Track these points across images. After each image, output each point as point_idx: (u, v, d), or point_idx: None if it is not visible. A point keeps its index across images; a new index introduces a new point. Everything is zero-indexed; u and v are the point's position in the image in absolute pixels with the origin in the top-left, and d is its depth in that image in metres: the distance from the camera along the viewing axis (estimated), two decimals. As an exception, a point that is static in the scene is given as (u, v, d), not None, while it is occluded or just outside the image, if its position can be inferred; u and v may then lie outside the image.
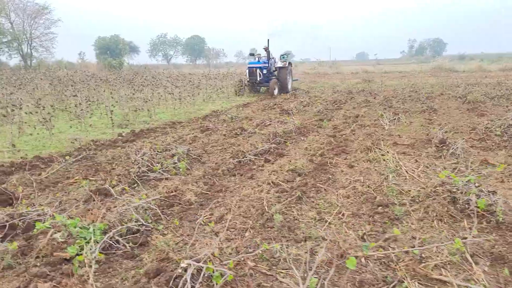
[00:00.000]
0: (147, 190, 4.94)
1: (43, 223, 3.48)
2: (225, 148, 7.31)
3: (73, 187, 5.18)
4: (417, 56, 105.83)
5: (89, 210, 4.29)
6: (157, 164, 5.74)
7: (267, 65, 17.81)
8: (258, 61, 17.68)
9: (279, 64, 18.01)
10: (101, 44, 76.74)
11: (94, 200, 4.62)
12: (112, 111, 10.01)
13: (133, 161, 5.85)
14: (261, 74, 17.26)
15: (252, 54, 18.62)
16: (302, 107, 12.28)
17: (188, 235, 3.61)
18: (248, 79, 17.89)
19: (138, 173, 5.43)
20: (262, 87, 18.68)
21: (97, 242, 3.23)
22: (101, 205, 4.36)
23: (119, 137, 8.71)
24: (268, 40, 17.80)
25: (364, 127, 8.90)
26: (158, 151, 6.51)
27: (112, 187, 4.94)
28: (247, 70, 17.77)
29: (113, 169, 5.99)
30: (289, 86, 18.39)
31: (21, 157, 6.91)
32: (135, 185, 5.21)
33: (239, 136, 8.49)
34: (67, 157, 6.37)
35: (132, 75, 21.57)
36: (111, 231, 3.43)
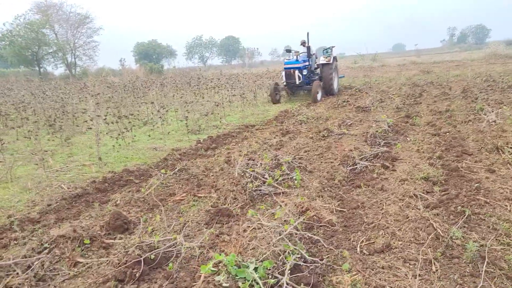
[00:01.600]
0: (269, 207, 4.32)
1: (206, 264, 2.86)
2: (321, 154, 6.61)
3: (184, 207, 4.62)
4: (459, 44, 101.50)
5: (218, 236, 3.71)
6: (265, 176, 5.11)
7: (307, 63, 14.78)
8: (296, 59, 14.25)
9: (322, 61, 14.60)
10: (140, 50, 78.02)
11: (217, 223, 4.03)
12: (187, 117, 9.53)
13: (240, 173, 5.23)
14: (300, 75, 13.98)
15: (288, 51, 14.92)
16: (378, 103, 11.37)
17: (362, 271, 2.93)
18: (285, 83, 14.37)
19: (252, 188, 4.80)
20: (303, 90, 15.23)
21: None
22: (230, 230, 3.77)
23: (199, 145, 8.19)
24: (308, 33, 14.44)
25: (465, 123, 7.96)
26: (261, 161, 5.90)
27: (226, 205, 4.37)
28: (283, 72, 14.24)
29: (215, 182, 5.41)
30: (335, 86, 15.28)
31: (110, 171, 6.49)
32: (251, 201, 4.59)
33: (327, 138, 7.77)
34: (162, 170, 5.85)
35: (188, 78, 21.29)
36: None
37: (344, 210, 4.16)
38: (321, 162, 6.08)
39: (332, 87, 14.84)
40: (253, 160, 5.99)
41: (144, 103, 12.28)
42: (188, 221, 4.18)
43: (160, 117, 9.66)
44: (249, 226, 3.82)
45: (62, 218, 4.60)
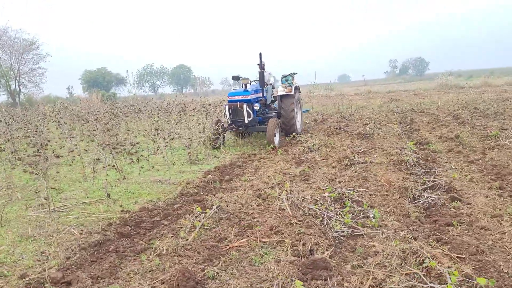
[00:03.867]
0: (363, 256, 3.55)
1: None
2: (361, 185, 5.95)
3: (255, 256, 3.72)
4: (402, 75, 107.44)
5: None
6: (330, 213, 4.35)
7: (260, 95, 10.97)
8: (245, 89, 10.37)
9: (281, 91, 10.97)
10: (88, 78, 75.23)
11: (315, 279, 3.20)
12: (190, 144, 8.59)
13: (292, 209, 4.43)
14: (251, 111, 10.02)
15: (236, 78, 11.10)
16: (372, 130, 11.01)
17: None
18: (229, 121, 10.36)
19: (333, 229, 4.01)
20: (254, 131, 11.13)
21: None
22: None
23: (209, 176, 7.27)
24: (261, 54, 10.50)
25: (490, 149, 7.68)
26: (300, 194, 5.13)
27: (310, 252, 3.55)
28: (226, 107, 10.30)
29: (265, 221, 4.57)
30: (298, 124, 11.64)
31: (122, 210, 5.44)
32: (338, 247, 3.79)
33: (351, 166, 7.17)
34: (198, 209, 4.91)
35: (149, 106, 20.11)
36: None
37: (463, 256, 3.46)
38: (371, 195, 5.41)
39: (295, 126, 10.93)
40: (296, 194, 5.22)
41: (126, 131, 11.11)
42: (274, 277, 3.30)
43: (159, 146, 8.61)
44: (362, 283, 3.03)
45: (97, 276, 3.55)
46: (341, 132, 11.72)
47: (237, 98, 10.22)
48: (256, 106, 10.42)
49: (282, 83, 11.51)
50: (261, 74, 10.69)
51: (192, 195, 6.12)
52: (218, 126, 10.23)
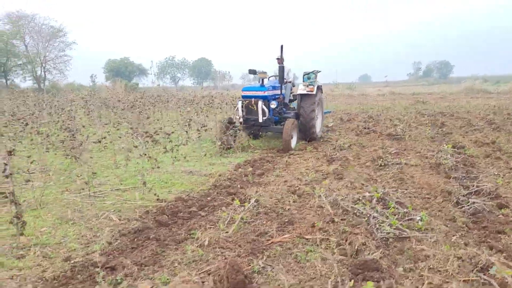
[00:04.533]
0: (412, 260, 3.44)
1: None
2: (399, 186, 5.80)
3: (300, 253, 3.64)
4: (425, 78, 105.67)
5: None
6: (374, 214, 4.23)
7: (278, 92, 9.83)
8: (262, 85, 9.61)
9: (301, 90, 9.88)
10: (111, 67, 75.98)
11: (366, 279, 3.10)
12: (221, 137, 8.55)
13: (331, 207, 4.32)
14: (266, 110, 9.17)
15: (253, 72, 9.86)
16: (403, 132, 10.76)
17: None
18: (242, 119, 9.38)
19: (379, 229, 3.91)
20: (269, 131, 10.20)
21: None
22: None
23: (240, 170, 7.22)
24: (282, 46, 9.36)
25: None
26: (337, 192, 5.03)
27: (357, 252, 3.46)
28: (239, 103, 9.36)
29: (304, 218, 4.48)
30: (318, 127, 10.56)
31: (158, 199, 5.42)
32: (386, 249, 3.68)
33: (386, 167, 7.02)
34: (236, 201, 4.86)
35: (192, 96, 20.16)
36: None
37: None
38: (410, 197, 5.26)
39: (313, 129, 9.81)
40: (332, 192, 5.12)
41: (156, 121, 11.13)
42: (322, 275, 3.22)
43: (189, 136, 8.60)
44: None
45: (140, 263, 3.52)
46: (369, 132, 11.53)
47: (252, 93, 9.25)
48: (273, 104, 9.28)
49: (303, 81, 10.18)
50: (281, 69, 9.45)
51: (225, 187, 6.07)
52: (230, 124, 9.46)
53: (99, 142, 7.55)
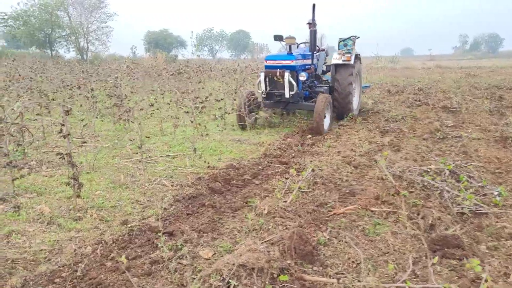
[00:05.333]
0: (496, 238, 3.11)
1: None
2: (463, 160, 5.36)
3: (368, 226, 3.38)
4: (472, 51, 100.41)
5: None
6: (443, 187, 3.88)
7: (309, 61, 8.38)
8: (290, 53, 7.84)
9: (336, 60, 8.52)
10: (150, 39, 76.56)
11: (446, 257, 2.81)
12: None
13: (394, 179, 4.00)
14: (294, 82, 7.51)
15: (279, 38, 7.95)
16: (459, 104, 10.09)
17: None
18: (264, 94, 7.87)
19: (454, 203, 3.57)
20: (297, 109, 9.01)
21: None
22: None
23: (289, 140, 6.97)
24: (314, 6, 7.91)
25: None
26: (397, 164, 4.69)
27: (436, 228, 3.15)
28: (262, 75, 7.77)
29: (365, 189, 4.19)
30: (355, 104, 9.18)
31: (208, 166, 5.27)
32: (462, 224, 3.35)
33: (446, 140, 6.57)
34: (292, 170, 4.63)
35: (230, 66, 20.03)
36: None
37: None
38: (478, 171, 4.84)
39: (350, 106, 8.51)
40: (392, 164, 4.79)
41: (201, 89, 10.96)
42: (396, 251, 2.96)
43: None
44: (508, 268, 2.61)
45: (198, 229, 3.38)
46: (421, 104, 10.92)
47: (278, 63, 7.66)
48: (302, 76, 7.71)
49: (339, 49, 8.68)
50: (313, 34, 7.77)
51: (276, 156, 5.86)
52: (251, 100, 7.93)
53: (152, 105, 7.49)
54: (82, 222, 3.57)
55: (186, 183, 4.59)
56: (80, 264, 2.82)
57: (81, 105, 8.73)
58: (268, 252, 2.73)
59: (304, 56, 8.17)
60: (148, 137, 6.02)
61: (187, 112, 7.07)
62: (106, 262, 2.88)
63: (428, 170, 4.38)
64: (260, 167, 5.38)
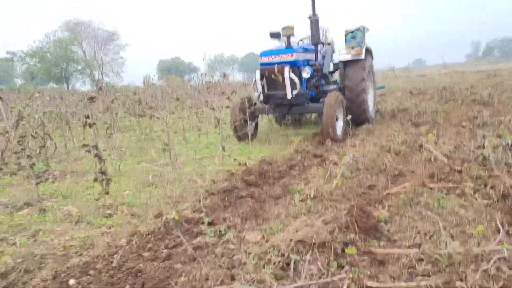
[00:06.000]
0: None
1: None
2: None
3: (424, 203, 3.01)
4: (486, 57, 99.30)
5: None
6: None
7: (312, 56, 7.11)
8: (289, 46, 6.51)
9: (345, 56, 7.34)
10: (162, 67, 77.88)
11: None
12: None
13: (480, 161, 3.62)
14: (296, 79, 6.30)
15: (276, 35, 6.76)
16: (490, 97, 9.64)
17: None
18: (262, 96, 6.63)
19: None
20: (303, 112, 7.64)
21: None
22: None
23: (318, 138, 6.60)
24: None
25: None
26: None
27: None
28: (258, 74, 6.48)
29: (415, 171, 3.82)
30: (371, 106, 7.88)
31: (239, 163, 4.96)
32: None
33: (485, 127, 6.15)
34: (334, 156, 4.29)
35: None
36: None
37: None
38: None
39: (365, 107, 7.14)
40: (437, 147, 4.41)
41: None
42: (471, 222, 2.58)
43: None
44: None
45: (241, 217, 3.05)
46: (448, 100, 10.49)
47: (275, 58, 6.34)
48: (306, 72, 6.37)
49: (346, 43, 7.38)
50: (314, 23, 6.69)
51: (308, 152, 5.52)
52: (247, 106, 6.63)
53: (173, 113, 7.30)
54: (113, 218, 3.29)
55: (218, 179, 4.28)
56: (115, 256, 2.52)
57: (105, 123, 8.56)
58: (327, 227, 2.39)
59: (306, 50, 6.87)
60: (175, 132, 5.78)
61: (217, 118, 6.71)
62: (144, 253, 2.58)
63: (482, 145, 4.00)
64: (293, 162, 5.05)
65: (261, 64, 6.48)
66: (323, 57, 7.52)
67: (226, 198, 3.68)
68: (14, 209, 3.62)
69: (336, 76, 8.45)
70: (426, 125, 6.86)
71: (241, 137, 6.66)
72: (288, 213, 3.03)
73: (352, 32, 7.41)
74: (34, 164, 3.73)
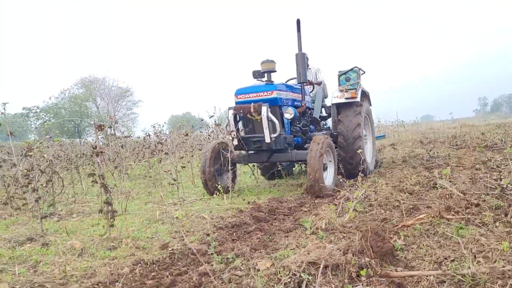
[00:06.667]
0: None
1: None
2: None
3: (441, 230, 2.87)
4: (494, 113, 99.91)
5: None
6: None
7: (297, 95, 6.23)
8: (269, 83, 5.60)
9: (338, 99, 6.45)
10: (173, 122, 79.32)
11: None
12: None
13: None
14: (276, 121, 5.24)
15: (259, 75, 5.72)
16: (504, 141, 9.56)
17: None
18: (236, 141, 5.53)
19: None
20: (284, 160, 6.38)
21: None
22: None
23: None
24: (299, 21, 5.87)
25: None
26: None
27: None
28: (230, 113, 5.57)
29: (429, 207, 3.68)
30: (369, 157, 7.13)
31: (248, 202, 4.85)
32: None
33: (500, 168, 6.00)
34: (348, 181, 4.18)
35: None
36: None
37: None
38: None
39: (361, 158, 5.97)
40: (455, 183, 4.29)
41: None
42: (493, 249, 2.43)
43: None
44: None
45: (250, 248, 2.92)
46: (460, 147, 10.40)
47: (252, 96, 5.42)
48: (289, 113, 5.50)
49: (339, 85, 6.57)
50: (300, 58, 5.71)
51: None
52: (215, 153, 5.72)
53: (182, 157, 7.26)
54: (117, 251, 3.17)
55: (227, 215, 4.17)
56: (116, 284, 2.39)
57: (113, 174, 8.55)
58: (340, 251, 2.26)
59: (290, 88, 5.99)
60: (184, 166, 5.71)
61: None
62: (147, 281, 2.44)
63: (499, 183, 3.88)
64: (303, 201, 4.93)
65: (237, 103, 5.54)
66: (313, 101, 6.82)
67: (234, 233, 3.56)
68: (17, 244, 3.51)
69: (328, 121, 7.53)
70: (439, 168, 6.74)
71: (212, 192, 5.54)
72: (299, 244, 2.90)
73: (345, 73, 6.62)
74: (40, 198, 3.67)
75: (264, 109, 5.15)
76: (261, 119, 5.16)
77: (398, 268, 2.25)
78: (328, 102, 7.09)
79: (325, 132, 6.62)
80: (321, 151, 4.96)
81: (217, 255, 2.78)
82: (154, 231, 3.72)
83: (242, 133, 5.58)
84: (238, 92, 5.57)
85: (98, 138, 3.39)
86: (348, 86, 6.46)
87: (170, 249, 3.04)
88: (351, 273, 2.06)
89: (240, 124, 5.64)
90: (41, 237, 3.67)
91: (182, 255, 2.94)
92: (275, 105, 5.44)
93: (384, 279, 2.03)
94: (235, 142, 5.45)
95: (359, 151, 5.70)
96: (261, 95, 5.42)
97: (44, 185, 4.63)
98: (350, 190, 4.81)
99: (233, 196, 5.36)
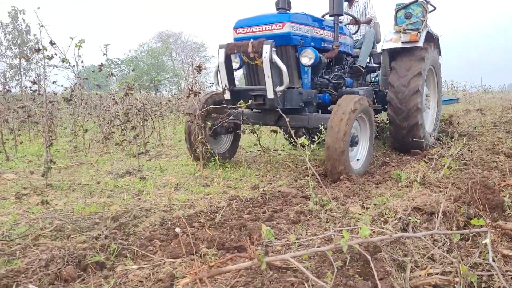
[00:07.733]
0: None
1: None
2: None
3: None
4: None
5: None
6: None
7: (327, 33, 4.19)
8: (282, 12, 3.69)
9: (391, 43, 4.69)
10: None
11: None
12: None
13: None
14: (283, 68, 3.42)
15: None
16: None
17: None
18: (228, 93, 3.79)
19: None
20: (298, 127, 4.38)
21: None
22: None
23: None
24: None
25: None
26: None
27: None
28: (221, 52, 3.70)
29: None
30: (430, 127, 5.28)
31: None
32: None
33: None
34: (452, 150, 3.99)
35: None
36: None
37: None
38: None
39: (418, 126, 4.52)
40: None
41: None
42: None
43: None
44: None
45: (344, 194, 2.91)
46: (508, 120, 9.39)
47: (255, 31, 3.81)
48: (308, 57, 3.76)
49: (396, 24, 4.81)
50: None
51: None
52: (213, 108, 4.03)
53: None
54: (210, 188, 3.32)
55: (312, 165, 4.17)
56: (216, 214, 2.51)
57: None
58: (448, 198, 2.18)
59: (316, 22, 4.12)
60: None
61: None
62: (244, 215, 2.55)
63: None
64: (388, 158, 4.79)
65: (235, 39, 3.94)
66: (360, 45, 5.10)
67: (321, 181, 3.56)
68: (118, 176, 3.80)
69: (378, 74, 5.77)
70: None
71: (196, 156, 4.06)
72: (392, 194, 2.84)
73: (406, 6, 4.76)
74: (138, 135, 3.91)
75: (267, 48, 3.44)
76: (262, 63, 3.52)
77: (509, 223, 2.13)
78: (379, 48, 5.23)
79: (365, 89, 4.62)
80: (347, 117, 3.32)
81: (308, 199, 2.82)
82: (241, 174, 3.84)
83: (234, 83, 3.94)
84: (238, 25, 3.92)
85: (194, 79, 3.48)
86: (408, 26, 4.72)
87: (261, 189, 3.12)
88: (459, 222, 1.99)
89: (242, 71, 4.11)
90: (138, 172, 3.93)
91: (273, 196, 3.01)
92: (288, 44, 3.76)
93: (495, 230, 1.93)
94: (227, 95, 3.82)
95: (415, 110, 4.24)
96: (268, 29, 3.72)
97: (141, 124, 4.91)
98: (443, 147, 4.58)
99: (315, 149, 5.33)
